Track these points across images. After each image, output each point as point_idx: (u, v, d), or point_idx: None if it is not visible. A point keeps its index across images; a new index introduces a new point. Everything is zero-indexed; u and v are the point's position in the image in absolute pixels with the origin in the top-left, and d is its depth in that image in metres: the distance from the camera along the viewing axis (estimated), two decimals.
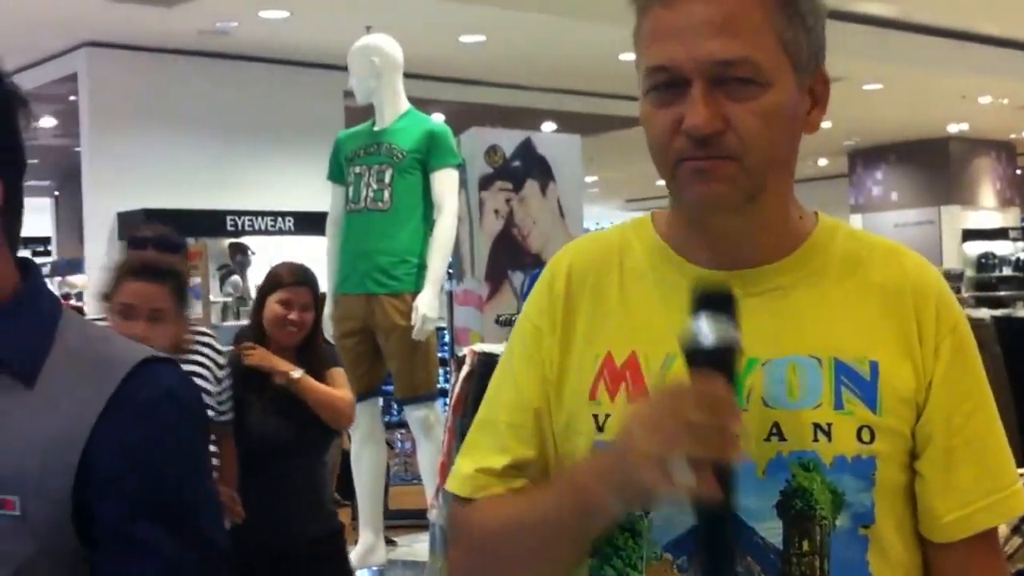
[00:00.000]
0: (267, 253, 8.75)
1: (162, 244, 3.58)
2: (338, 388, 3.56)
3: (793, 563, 1.16)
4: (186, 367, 3.00)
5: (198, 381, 3.15)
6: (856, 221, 15.89)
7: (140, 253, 3.40)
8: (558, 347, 1.28)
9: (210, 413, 3.15)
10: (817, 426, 1.18)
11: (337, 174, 5.04)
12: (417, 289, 4.71)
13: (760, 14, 1.17)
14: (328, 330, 4.67)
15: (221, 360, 3.35)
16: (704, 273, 1.23)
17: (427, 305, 4.65)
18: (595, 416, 1.24)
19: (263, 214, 9.27)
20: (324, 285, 4.30)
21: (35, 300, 1.25)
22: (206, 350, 3.30)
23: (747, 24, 1.16)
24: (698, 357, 1.08)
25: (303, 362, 3.51)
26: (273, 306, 3.51)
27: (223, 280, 9.23)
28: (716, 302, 1.10)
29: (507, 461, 1.28)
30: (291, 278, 3.55)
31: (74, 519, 1.15)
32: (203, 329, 3.50)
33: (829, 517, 1.17)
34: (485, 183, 5.67)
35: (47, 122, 9.27)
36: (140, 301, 2.85)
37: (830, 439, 1.17)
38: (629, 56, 1.20)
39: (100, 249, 8.80)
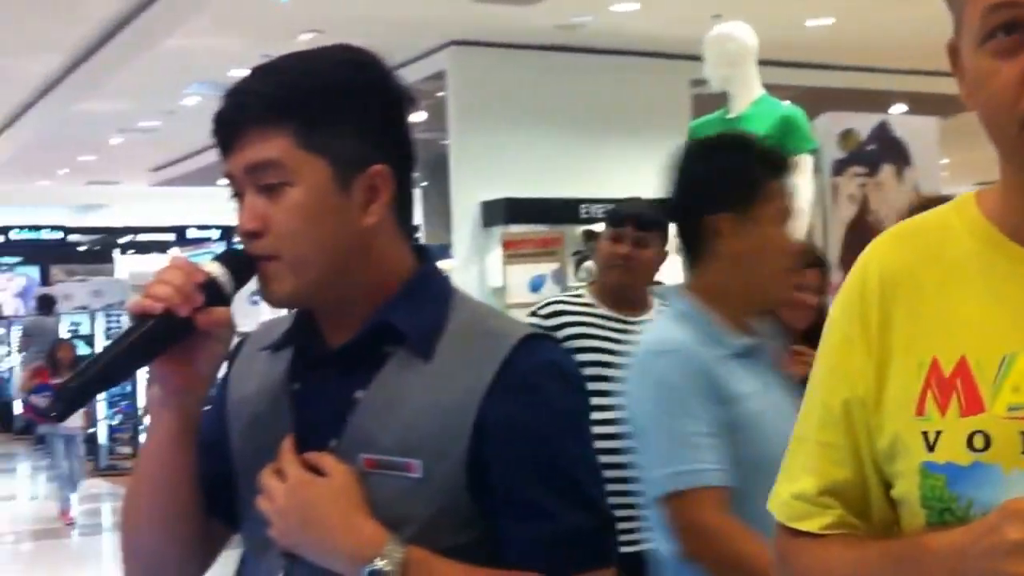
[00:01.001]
0: None
1: (641, 221, 3.43)
2: None
3: None
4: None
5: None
6: None
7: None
8: (873, 357, 1.12)
9: None
10: None
11: None
12: None
13: None
14: None
15: None
16: None
17: None
18: (924, 434, 1.07)
19: (613, 201, 9.51)
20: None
21: (430, 281, 1.34)
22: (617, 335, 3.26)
23: None
24: None
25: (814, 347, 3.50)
26: None
27: (578, 265, 9.53)
28: None
29: (821, 485, 1.15)
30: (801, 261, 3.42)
31: (470, 483, 1.22)
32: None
33: None
34: (839, 168, 5.58)
35: (417, 117, 9.95)
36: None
37: None
38: None
39: (466, 235, 9.30)
